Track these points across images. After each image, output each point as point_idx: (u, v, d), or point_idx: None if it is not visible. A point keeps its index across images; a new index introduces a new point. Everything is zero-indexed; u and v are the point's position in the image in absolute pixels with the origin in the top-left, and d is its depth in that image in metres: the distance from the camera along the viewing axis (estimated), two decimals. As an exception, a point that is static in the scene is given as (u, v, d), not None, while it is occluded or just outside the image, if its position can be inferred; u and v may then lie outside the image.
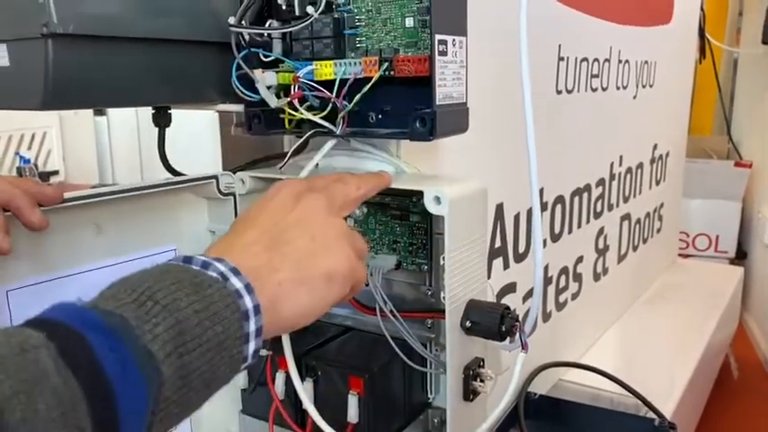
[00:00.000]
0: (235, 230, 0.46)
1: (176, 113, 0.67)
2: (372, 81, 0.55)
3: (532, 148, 0.59)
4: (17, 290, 0.51)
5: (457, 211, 0.52)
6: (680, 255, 1.85)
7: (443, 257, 0.53)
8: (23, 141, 3.47)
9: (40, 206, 0.49)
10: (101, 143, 3.65)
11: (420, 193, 0.54)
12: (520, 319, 0.55)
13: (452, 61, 0.54)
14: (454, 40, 0.54)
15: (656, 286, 1.56)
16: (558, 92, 0.94)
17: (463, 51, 0.56)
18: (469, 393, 0.56)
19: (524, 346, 0.54)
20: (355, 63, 0.56)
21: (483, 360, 0.58)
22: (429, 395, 0.63)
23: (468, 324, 0.54)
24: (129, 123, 3.46)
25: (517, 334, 0.54)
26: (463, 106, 0.57)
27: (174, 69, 0.58)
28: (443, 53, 0.53)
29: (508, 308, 0.54)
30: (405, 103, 0.57)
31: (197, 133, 3.27)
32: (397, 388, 0.59)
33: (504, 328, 0.54)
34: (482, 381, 0.57)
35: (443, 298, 0.54)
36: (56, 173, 3.65)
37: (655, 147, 1.44)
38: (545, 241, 0.97)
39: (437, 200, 0.52)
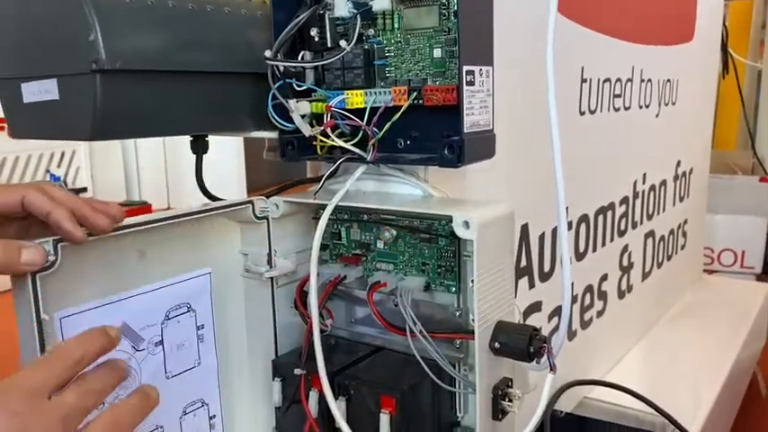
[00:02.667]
0: None
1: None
2: (402, 110, 0.57)
3: (559, 171, 0.60)
4: (70, 317, 0.53)
5: (485, 235, 0.54)
6: (705, 270, 1.84)
7: (472, 280, 0.55)
8: (53, 159, 3.56)
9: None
10: (128, 161, 3.73)
11: (448, 217, 0.56)
12: (547, 339, 0.57)
13: (479, 90, 0.56)
14: (481, 69, 0.56)
15: (682, 303, 1.55)
16: (582, 113, 0.95)
17: (490, 80, 0.58)
18: (498, 413, 0.57)
19: (552, 368, 0.55)
20: (385, 92, 0.59)
21: (511, 380, 0.59)
22: (458, 414, 0.64)
23: (496, 345, 0.56)
24: (155, 141, 3.54)
25: (545, 355, 0.55)
26: (490, 133, 0.59)
27: (213, 100, 0.61)
28: (471, 83, 0.55)
29: (536, 329, 0.56)
30: (433, 131, 0.59)
31: (223, 156, 3.34)
32: (426, 407, 0.61)
33: (532, 349, 0.55)
34: (510, 400, 0.58)
35: (472, 320, 0.55)
36: (84, 190, 3.74)
37: (678, 164, 1.45)
38: (570, 259, 0.97)
39: (466, 224, 0.54)
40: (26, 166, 3.44)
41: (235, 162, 3.54)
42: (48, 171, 3.44)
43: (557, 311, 0.95)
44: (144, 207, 3.62)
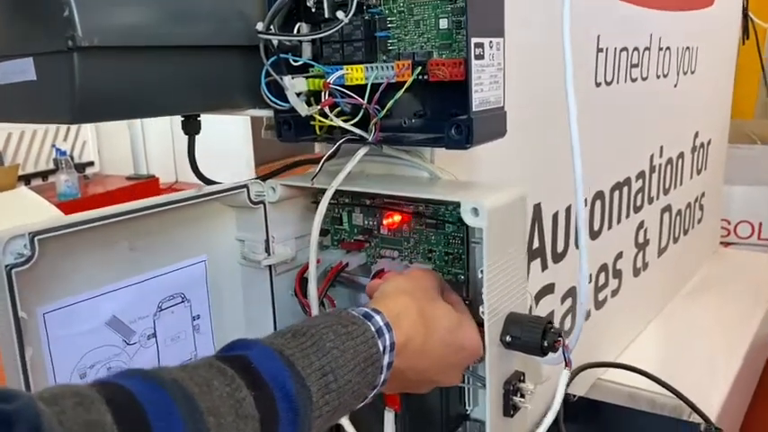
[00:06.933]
0: None
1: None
2: (406, 86, 0.53)
3: (576, 145, 0.56)
4: (53, 312, 0.50)
5: (496, 223, 0.50)
6: (721, 243, 1.79)
7: (482, 271, 0.51)
8: (59, 133, 3.54)
9: None
10: (134, 134, 3.70)
11: (456, 203, 0.52)
12: (558, 323, 0.53)
13: (489, 65, 0.52)
14: (491, 42, 0.52)
15: (698, 278, 1.51)
16: (598, 84, 0.90)
17: (500, 54, 0.53)
18: (510, 409, 0.54)
19: (568, 363, 0.52)
20: (387, 67, 0.54)
21: (523, 374, 0.56)
22: (467, 407, 0.61)
23: (507, 339, 0.52)
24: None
25: (560, 349, 0.52)
26: (500, 111, 0.55)
27: (202, 76, 0.56)
28: (480, 56, 0.51)
29: (551, 321, 0.52)
30: (439, 109, 0.55)
31: (229, 131, 3.28)
32: (433, 402, 0.58)
33: (546, 344, 0.51)
34: (522, 396, 0.55)
35: (482, 312, 0.52)
36: (91, 164, 3.72)
37: (696, 135, 1.39)
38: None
39: (475, 211, 0.50)
40: (32, 140, 3.42)
41: (242, 134, 3.49)
42: (54, 145, 3.42)
43: (570, 293, 0.91)
44: (151, 180, 3.59)
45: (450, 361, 0.52)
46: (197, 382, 0.37)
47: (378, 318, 0.47)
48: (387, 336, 0.47)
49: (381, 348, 0.46)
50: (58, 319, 0.51)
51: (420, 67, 0.53)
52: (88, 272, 0.53)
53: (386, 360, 0.46)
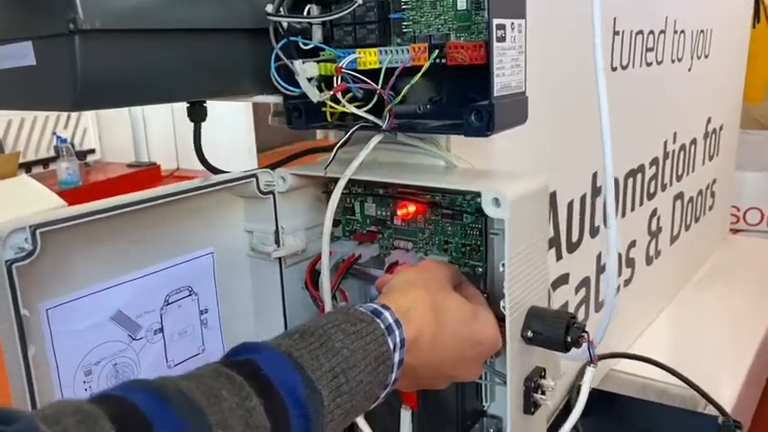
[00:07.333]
0: None
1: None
2: (422, 70, 0.51)
3: (606, 131, 0.54)
4: (57, 307, 0.48)
5: (518, 214, 0.48)
6: (730, 230, 1.77)
7: (503, 264, 0.49)
8: (60, 121, 3.50)
9: None
10: (135, 121, 3.66)
11: (475, 193, 0.50)
12: (574, 312, 0.51)
13: (511, 47, 0.49)
14: (513, 23, 0.49)
15: (708, 266, 1.49)
16: (613, 69, 0.88)
17: (522, 36, 0.51)
18: (530, 406, 0.52)
19: (593, 360, 0.50)
20: (402, 50, 0.52)
21: (544, 370, 0.54)
22: (484, 403, 0.59)
23: (529, 334, 0.50)
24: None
25: (584, 345, 0.50)
26: (522, 96, 0.52)
27: (209, 61, 0.54)
28: (501, 39, 0.48)
29: (574, 316, 0.50)
30: (457, 94, 0.52)
31: (230, 116, 3.24)
32: (450, 398, 0.56)
33: (569, 339, 0.49)
34: (543, 392, 0.53)
35: (502, 306, 0.50)
36: (92, 151, 3.69)
37: (708, 120, 1.37)
38: (598, 228, 0.91)
39: (496, 202, 0.47)
40: (32, 127, 3.39)
41: (244, 119, 3.46)
42: (54, 133, 3.39)
43: (584, 283, 0.89)
44: (152, 168, 3.57)
45: (466, 355, 0.50)
46: (204, 393, 0.35)
47: (387, 314, 0.45)
48: (397, 332, 0.45)
49: (392, 346, 0.44)
50: (61, 315, 0.49)
51: (437, 51, 0.50)
52: (92, 265, 0.51)
53: (396, 357, 0.44)
